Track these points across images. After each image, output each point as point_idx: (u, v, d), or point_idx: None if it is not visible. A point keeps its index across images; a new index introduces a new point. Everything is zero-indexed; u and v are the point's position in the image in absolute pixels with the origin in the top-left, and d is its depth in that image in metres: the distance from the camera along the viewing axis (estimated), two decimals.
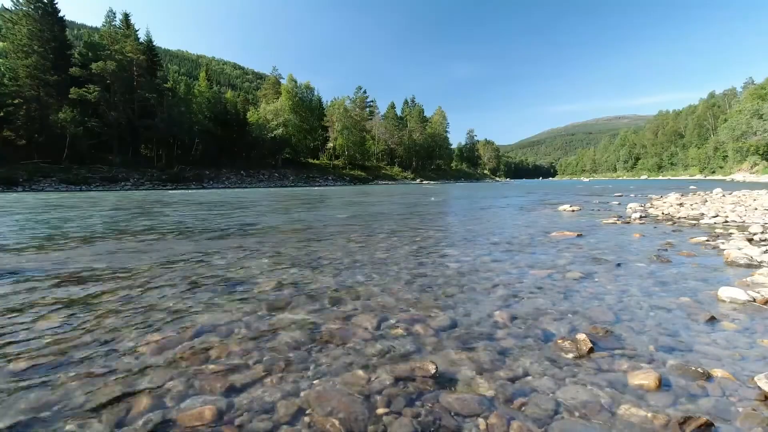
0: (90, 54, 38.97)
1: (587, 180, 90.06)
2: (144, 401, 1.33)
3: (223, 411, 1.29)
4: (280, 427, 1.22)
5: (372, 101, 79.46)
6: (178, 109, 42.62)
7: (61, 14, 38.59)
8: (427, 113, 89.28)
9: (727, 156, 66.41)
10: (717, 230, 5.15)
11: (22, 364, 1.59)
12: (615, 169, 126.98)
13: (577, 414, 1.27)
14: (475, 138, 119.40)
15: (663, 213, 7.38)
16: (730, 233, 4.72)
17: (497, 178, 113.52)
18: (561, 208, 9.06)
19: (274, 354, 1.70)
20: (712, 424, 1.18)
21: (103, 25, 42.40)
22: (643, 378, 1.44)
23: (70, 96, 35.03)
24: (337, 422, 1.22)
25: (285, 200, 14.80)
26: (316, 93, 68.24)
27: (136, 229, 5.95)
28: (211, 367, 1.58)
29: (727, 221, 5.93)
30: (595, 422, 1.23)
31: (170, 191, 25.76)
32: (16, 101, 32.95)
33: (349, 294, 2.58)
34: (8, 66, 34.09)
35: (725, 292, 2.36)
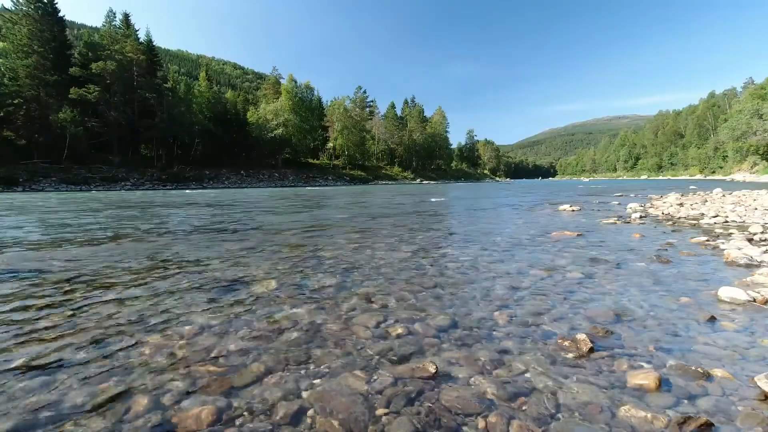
0: (90, 54, 38.95)
1: (587, 180, 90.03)
2: (144, 401, 1.33)
3: (223, 411, 1.29)
4: (280, 427, 1.22)
5: (372, 101, 79.47)
6: (178, 109, 42.60)
7: (61, 14, 38.59)
8: (427, 113, 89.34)
9: (727, 156, 66.36)
10: (717, 230, 5.15)
11: (22, 364, 1.59)
12: (615, 169, 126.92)
13: (577, 414, 1.27)
14: (475, 138, 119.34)
15: (663, 213, 7.38)
16: (730, 233, 4.72)
17: (497, 178, 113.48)
18: (561, 208, 9.06)
19: (273, 354, 1.70)
20: (712, 424, 1.18)
21: (103, 25, 42.37)
22: (643, 378, 1.44)
23: (70, 96, 35.02)
24: (337, 423, 1.22)
25: (285, 200, 14.79)
26: (316, 93, 68.25)
27: (136, 230, 5.95)
28: (211, 367, 1.58)
29: (727, 221, 5.92)
30: (595, 422, 1.23)
31: (170, 191, 25.76)
32: (16, 101, 32.93)
33: (349, 294, 2.58)
34: (8, 66, 34.07)
35: (725, 292, 2.36)
